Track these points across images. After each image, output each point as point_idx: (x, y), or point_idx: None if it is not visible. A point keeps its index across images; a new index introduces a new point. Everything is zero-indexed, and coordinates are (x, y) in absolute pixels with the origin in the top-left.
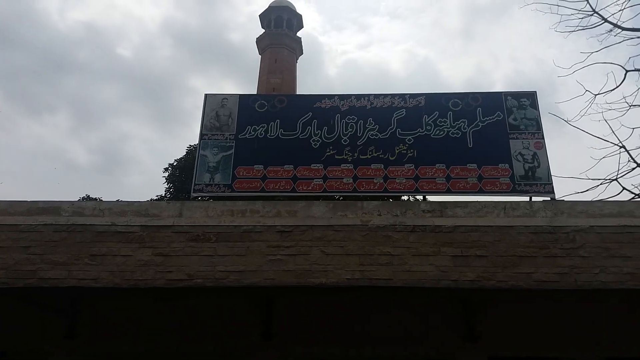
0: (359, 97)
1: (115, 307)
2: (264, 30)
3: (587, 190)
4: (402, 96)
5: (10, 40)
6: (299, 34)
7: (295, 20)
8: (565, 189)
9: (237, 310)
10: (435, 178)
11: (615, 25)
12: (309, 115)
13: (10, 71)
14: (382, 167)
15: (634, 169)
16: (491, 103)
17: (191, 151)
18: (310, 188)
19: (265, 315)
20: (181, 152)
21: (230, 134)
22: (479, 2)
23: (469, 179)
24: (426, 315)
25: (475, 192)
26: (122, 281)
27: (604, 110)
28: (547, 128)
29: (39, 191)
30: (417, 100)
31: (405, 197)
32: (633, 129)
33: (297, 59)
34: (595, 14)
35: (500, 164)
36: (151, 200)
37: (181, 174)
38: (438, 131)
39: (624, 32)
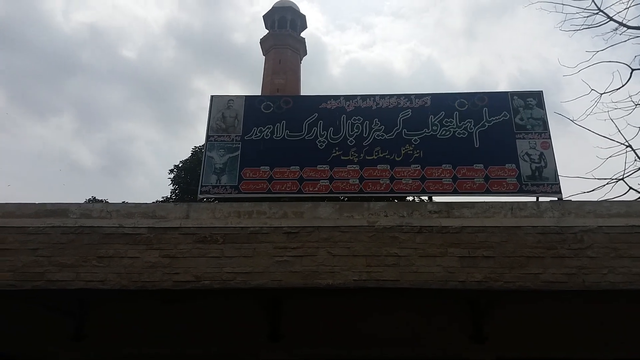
0: (364, 97)
1: (122, 309)
2: (267, 31)
3: (593, 190)
4: (407, 96)
5: (14, 42)
6: (302, 34)
7: (298, 21)
8: (571, 189)
9: (244, 311)
10: (441, 179)
11: (621, 24)
12: (315, 116)
13: (14, 73)
14: (388, 167)
15: None
16: (497, 103)
17: (196, 152)
18: (316, 189)
19: (273, 316)
20: (185, 154)
21: (236, 135)
22: (482, 2)
23: (475, 180)
24: (433, 317)
25: (482, 193)
26: (130, 283)
27: (609, 109)
28: (552, 127)
29: (44, 193)
30: (423, 101)
31: (410, 198)
32: (639, 127)
33: (301, 59)
34: (600, 13)
35: (507, 164)
36: (157, 201)
37: (186, 176)
38: (444, 131)
39: (629, 30)
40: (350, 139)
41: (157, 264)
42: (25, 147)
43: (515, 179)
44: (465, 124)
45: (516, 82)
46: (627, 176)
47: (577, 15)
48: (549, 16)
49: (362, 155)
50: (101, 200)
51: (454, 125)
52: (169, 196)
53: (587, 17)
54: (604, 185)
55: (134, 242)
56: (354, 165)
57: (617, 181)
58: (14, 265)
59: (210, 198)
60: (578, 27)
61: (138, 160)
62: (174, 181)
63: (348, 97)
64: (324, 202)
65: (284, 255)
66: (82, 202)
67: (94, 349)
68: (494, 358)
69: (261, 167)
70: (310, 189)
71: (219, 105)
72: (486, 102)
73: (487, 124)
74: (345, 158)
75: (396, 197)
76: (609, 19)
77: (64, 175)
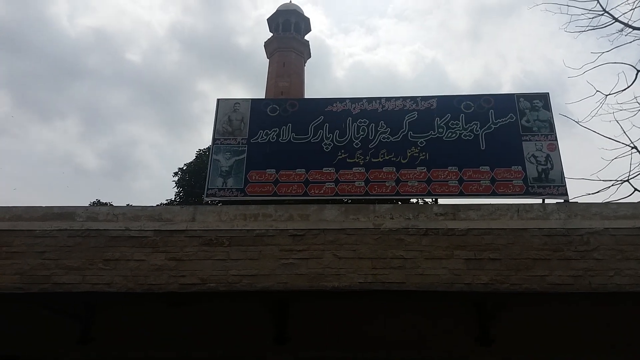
0: (370, 100)
1: (128, 312)
2: (271, 34)
3: (598, 192)
4: (413, 99)
5: (20, 46)
6: (306, 37)
7: (302, 24)
8: (576, 191)
9: (250, 314)
10: (447, 181)
11: (626, 25)
12: (321, 118)
13: (20, 77)
14: (394, 170)
15: None
16: (503, 105)
17: (201, 155)
18: (322, 192)
19: (279, 319)
20: (189, 156)
21: (242, 139)
22: (485, 3)
23: (481, 182)
24: (439, 319)
25: (488, 195)
26: (136, 286)
27: (615, 110)
28: (557, 129)
29: (49, 196)
30: (429, 103)
31: (414, 200)
32: None
33: (305, 62)
34: (605, 14)
35: (513, 166)
36: (161, 204)
37: (191, 178)
38: (450, 133)
39: (635, 31)
40: (356, 141)
41: (163, 267)
42: (31, 150)
43: (521, 181)
44: (471, 126)
45: (520, 84)
46: (633, 178)
47: (582, 17)
48: (554, 17)
49: (367, 157)
50: (105, 203)
51: (460, 127)
52: (173, 199)
53: (593, 18)
54: (609, 186)
55: (140, 245)
56: (360, 168)
57: (622, 183)
58: (21, 268)
59: (217, 201)
60: (583, 29)
61: (142, 163)
62: (178, 184)
63: (354, 100)
64: (329, 205)
65: (289, 257)
66: (87, 205)
67: (100, 352)
68: None
69: (267, 170)
70: (316, 192)
71: (225, 109)
72: (492, 104)
73: (493, 126)
74: (351, 160)
75: (402, 200)
76: (614, 20)
77: (69, 178)
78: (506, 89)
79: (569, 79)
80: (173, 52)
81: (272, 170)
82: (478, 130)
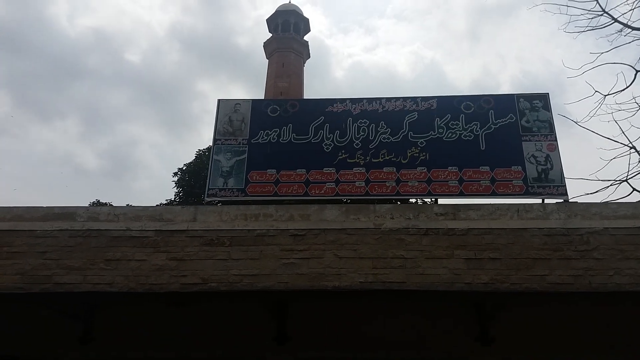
0: (370, 100)
1: (128, 312)
2: (271, 35)
3: (596, 192)
4: (413, 99)
5: (20, 46)
6: (305, 37)
7: (302, 24)
8: (574, 191)
9: (249, 314)
10: (447, 181)
11: (626, 25)
12: (321, 119)
13: (20, 77)
14: (395, 170)
15: None
16: (503, 105)
17: (200, 156)
18: (322, 192)
19: (279, 319)
20: (189, 156)
21: (243, 139)
22: (484, 4)
23: (481, 182)
24: (438, 320)
25: (488, 195)
26: (137, 285)
27: (613, 110)
28: (556, 129)
29: (49, 196)
30: (429, 103)
31: (412, 200)
32: None
33: (304, 62)
34: (605, 14)
35: (513, 166)
36: (161, 204)
37: (190, 179)
38: (450, 134)
39: (634, 31)
40: (357, 141)
41: (164, 267)
42: (31, 150)
43: (521, 181)
44: (471, 127)
45: (519, 84)
46: (631, 178)
47: (582, 17)
48: (552, 18)
49: (368, 157)
50: (105, 203)
51: (460, 127)
52: (173, 199)
53: (592, 18)
54: (608, 186)
55: (141, 245)
56: (360, 168)
57: (620, 183)
58: (23, 268)
59: (217, 201)
60: (582, 29)
61: (141, 163)
62: (178, 184)
63: (354, 100)
64: (330, 205)
65: (290, 257)
66: (87, 205)
67: (100, 352)
68: None
69: (268, 170)
70: (317, 192)
71: (226, 109)
72: (492, 104)
73: (493, 127)
74: (352, 161)
75: (402, 200)
76: (613, 21)
77: (69, 178)
78: (505, 89)
79: (568, 80)
80: (173, 52)
81: (273, 170)
82: (478, 131)
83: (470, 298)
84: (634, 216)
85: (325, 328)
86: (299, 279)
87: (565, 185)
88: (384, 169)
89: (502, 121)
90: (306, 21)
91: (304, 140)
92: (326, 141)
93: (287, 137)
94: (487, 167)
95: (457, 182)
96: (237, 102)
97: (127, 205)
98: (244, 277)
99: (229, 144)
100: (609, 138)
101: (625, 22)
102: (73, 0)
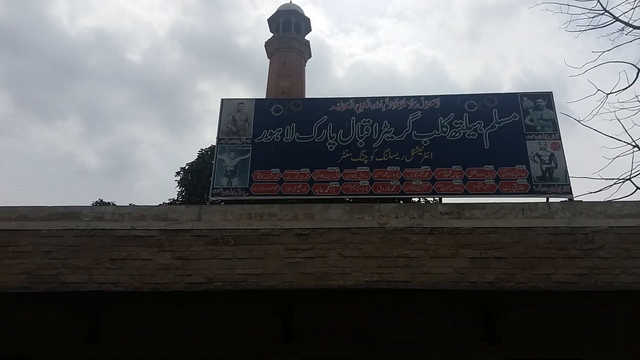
0: (374, 99)
1: (134, 312)
2: (272, 34)
3: (600, 190)
4: (417, 98)
5: (20, 46)
6: (307, 37)
7: (303, 24)
8: (577, 189)
9: (253, 314)
10: (452, 180)
11: (627, 24)
12: (325, 118)
13: (21, 77)
14: (398, 169)
15: None
16: (507, 104)
17: (202, 155)
18: (326, 191)
19: (284, 318)
20: (190, 156)
21: (247, 138)
22: (485, 4)
23: (486, 181)
24: (440, 319)
25: (493, 194)
26: (142, 285)
27: (616, 109)
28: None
29: (50, 196)
30: (433, 102)
31: (415, 199)
32: None
33: (305, 62)
34: (606, 13)
35: (517, 165)
36: (164, 204)
37: (193, 178)
38: (454, 133)
39: (635, 30)
40: (360, 140)
41: (169, 266)
42: (31, 150)
43: (525, 180)
44: (475, 125)
45: (521, 83)
46: (635, 176)
47: (583, 16)
48: (554, 17)
49: (372, 157)
50: (108, 203)
51: (463, 126)
52: (175, 198)
53: (593, 17)
54: (611, 185)
55: (146, 245)
56: (364, 167)
57: (624, 181)
58: (28, 267)
59: (222, 200)
60: (583, 28)
61: (142, 163)
62: (180, 183)
63: (357, 100)
64: (334, 204)
65: (295, 256)
66: (89, 204)
67: (106, 351)
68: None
69: (272, 170)
70: (321, 191)
71: (230, 109)
72: (496, 103)
73: (497, 125)
74: (355, 160)
75: (406, 199)
76: (615, 20)
77: (69, 178)
78: (506, 88)
79: (570, 78)
80: (173, 52)
81: (277, 169)
82: (482, 130)
83: (475, 297)
84: (638, 215)
85: (328, 327)
86: (304, 278)
87: (569, 184)
88: (388, 168)
89: (506, 120)
90: (307, 21)
91: (307, 139)
92: (330, 140)
93: (291, 136)
94: (491, 166)
95: (461, 181)
96: (241, 102)
97: (131, 204)
98: (249, 277)
99: (232, 144)
100: (611, 136)
101: (626, 20)
102: (73, 0)
